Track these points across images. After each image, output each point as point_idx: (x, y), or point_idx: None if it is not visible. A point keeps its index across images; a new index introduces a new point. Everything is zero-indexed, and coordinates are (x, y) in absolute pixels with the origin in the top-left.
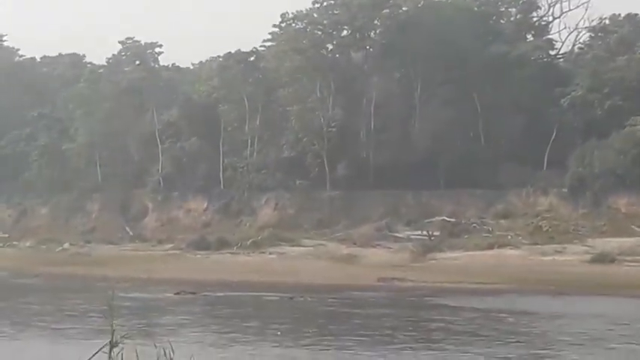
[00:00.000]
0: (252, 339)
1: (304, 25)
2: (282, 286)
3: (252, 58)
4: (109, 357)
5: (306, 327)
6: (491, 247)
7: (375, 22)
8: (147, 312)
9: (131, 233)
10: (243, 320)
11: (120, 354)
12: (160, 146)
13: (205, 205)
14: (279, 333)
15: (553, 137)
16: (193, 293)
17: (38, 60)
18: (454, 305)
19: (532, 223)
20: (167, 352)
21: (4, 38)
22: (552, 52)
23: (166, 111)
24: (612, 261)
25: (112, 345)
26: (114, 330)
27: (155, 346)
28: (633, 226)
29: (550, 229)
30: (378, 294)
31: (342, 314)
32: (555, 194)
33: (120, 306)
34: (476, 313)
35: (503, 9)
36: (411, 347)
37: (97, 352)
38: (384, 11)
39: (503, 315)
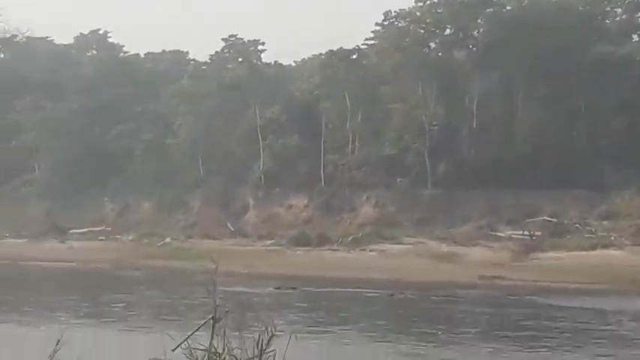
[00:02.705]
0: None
1: (407, 23)
2: (382, 283)
3: (354, 56)
4: (212, 331)
5: (430, 325)
6: (593, 247)
7: (479, 21)
8: (255, 306)
9: (232, 229)
10: (354, 315)
11: (223, 330)
12: (261, 143)
13: (306, 201)
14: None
15: None
16: (294, 288)
17: (142, 56)
18: (591, 307)
19: (635, 224)
20: (269, 329)
21: (110, 34)
22: None
23: (268, 108)
24: None
25: (215, 320)
26: (217, 305)
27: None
28: None
29: None
30: (481, 292)
31: (471, 313)
32: None
33: (226, 299)
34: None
35: (609, 9)
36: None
37: (200, 326)
38: (488, 10)
39: None
